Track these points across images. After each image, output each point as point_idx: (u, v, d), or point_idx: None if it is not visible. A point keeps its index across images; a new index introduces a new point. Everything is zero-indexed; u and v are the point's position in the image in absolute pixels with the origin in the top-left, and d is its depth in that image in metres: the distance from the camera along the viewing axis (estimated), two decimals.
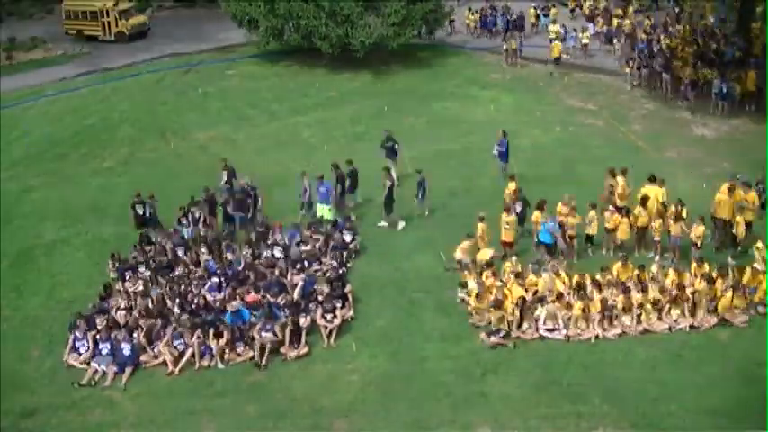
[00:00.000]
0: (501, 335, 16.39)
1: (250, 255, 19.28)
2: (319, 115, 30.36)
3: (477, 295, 17.12)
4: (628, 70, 32.50)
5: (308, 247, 19.68)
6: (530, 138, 27.27)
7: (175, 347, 16.19)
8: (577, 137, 27.54)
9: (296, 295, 17.67)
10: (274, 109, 31.40)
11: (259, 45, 37.15)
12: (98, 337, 16.41)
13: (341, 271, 18.68)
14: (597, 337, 16.51)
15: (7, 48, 40.06)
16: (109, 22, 41.69)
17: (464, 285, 17.90)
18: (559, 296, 17.15)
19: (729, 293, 16.91)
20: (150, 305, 17.51)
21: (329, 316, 16.87)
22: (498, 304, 16.71)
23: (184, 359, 16.10)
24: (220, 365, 16.02)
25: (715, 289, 17.11)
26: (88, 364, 16.10)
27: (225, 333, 16.32)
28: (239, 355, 16.27)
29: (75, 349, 16.38)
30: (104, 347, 16.24)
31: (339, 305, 17.16)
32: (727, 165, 24.77)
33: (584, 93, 32.00)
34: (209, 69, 36.93)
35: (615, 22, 38.45)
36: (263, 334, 16.24)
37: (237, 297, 17.40)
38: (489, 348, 16.22)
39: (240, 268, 18.72)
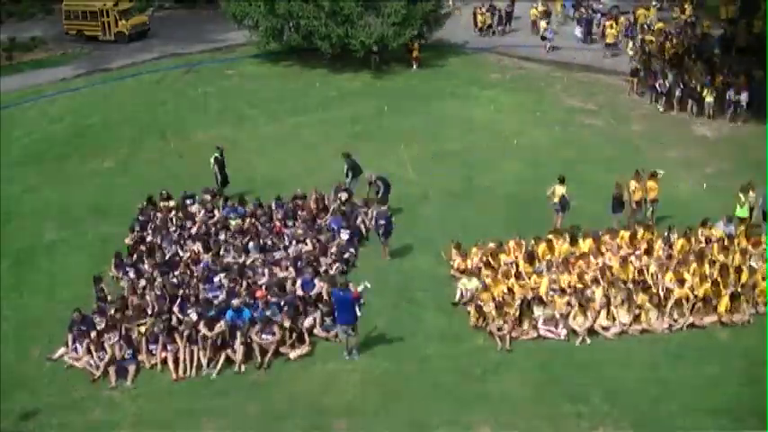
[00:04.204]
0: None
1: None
2: (319, 115, 30.32)
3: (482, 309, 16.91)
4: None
5: (308, 247, 19.68)
6: (530, 138, 27.27)
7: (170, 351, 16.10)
8: (577, 137, 27.53)
9: (296, 293, 17.66)
10: (274, 109, 31.35)
11: (259, 45, 37.10)
12: (96, 337, 16.35)
13: (341, 271, 18.65)
14: (597, 335, 16.50)
15: (7, 48, 39.92)
16: (109, 22, 41.57)
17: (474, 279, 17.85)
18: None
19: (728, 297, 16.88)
20: (150, 305, 17.48)
21: (328, 320, 16.76)
22: (500, 306, 16.69)
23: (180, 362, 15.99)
24: (214, 375, 15.87)
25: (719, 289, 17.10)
26: (89, 364, 16.04)
27: (219, 341, 16.15)
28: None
29: (74, 350, 16.34)
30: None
31: None
32: (728, 165, 24.77)
33: (585, 93, 31.97)
34: (209, 69, 36.87)
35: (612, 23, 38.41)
36: (264, 336, 16.22)
37: (244, 292, 17.41)
38: (489, 348, 16.21)
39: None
